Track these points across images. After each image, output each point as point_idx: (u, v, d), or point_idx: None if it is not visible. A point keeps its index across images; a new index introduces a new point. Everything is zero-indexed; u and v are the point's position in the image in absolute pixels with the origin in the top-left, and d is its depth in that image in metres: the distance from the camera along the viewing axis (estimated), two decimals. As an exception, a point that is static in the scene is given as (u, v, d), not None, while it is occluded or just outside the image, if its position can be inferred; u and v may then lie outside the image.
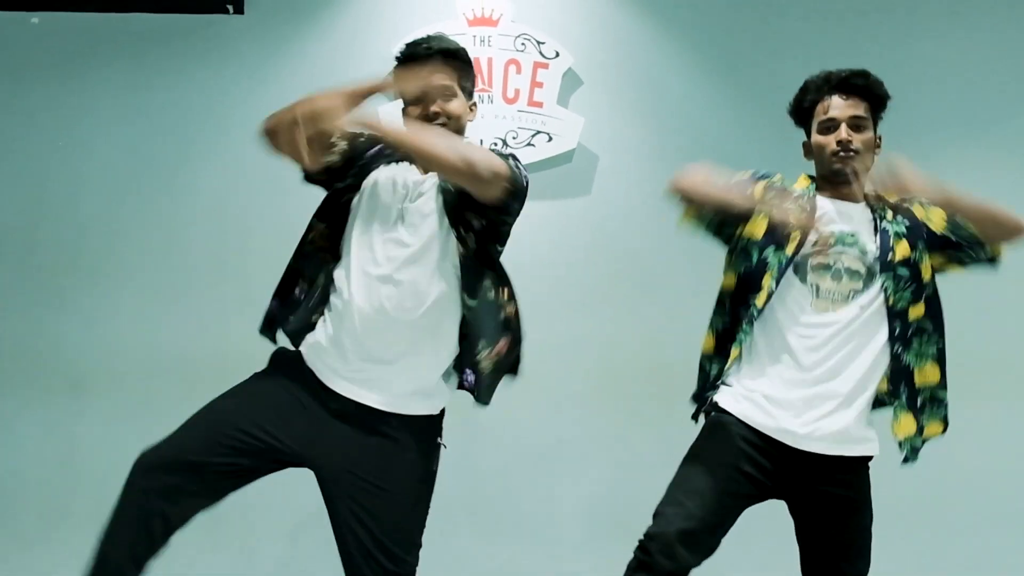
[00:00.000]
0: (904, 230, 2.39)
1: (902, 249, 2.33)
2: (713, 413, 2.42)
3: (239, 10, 4.15)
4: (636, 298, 4.11)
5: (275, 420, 2.14)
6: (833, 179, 2.46)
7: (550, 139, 4.15)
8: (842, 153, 2.42)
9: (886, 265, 2.32)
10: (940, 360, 2.44)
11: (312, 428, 2.14)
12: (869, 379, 2.32)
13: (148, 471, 2.14)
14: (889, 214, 2.41)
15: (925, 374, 2.40)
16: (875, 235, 2.37)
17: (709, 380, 2.46)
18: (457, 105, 2.38)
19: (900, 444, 2.40)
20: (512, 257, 4.04)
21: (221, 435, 2.12)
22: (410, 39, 2.43)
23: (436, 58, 2.36)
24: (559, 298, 4.00)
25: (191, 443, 2.16)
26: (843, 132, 2.43)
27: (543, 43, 4.17)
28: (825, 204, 2.42)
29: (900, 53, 4.43)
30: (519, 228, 4.24)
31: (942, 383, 2.43)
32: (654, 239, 4.02)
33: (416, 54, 2.36)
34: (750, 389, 2.33)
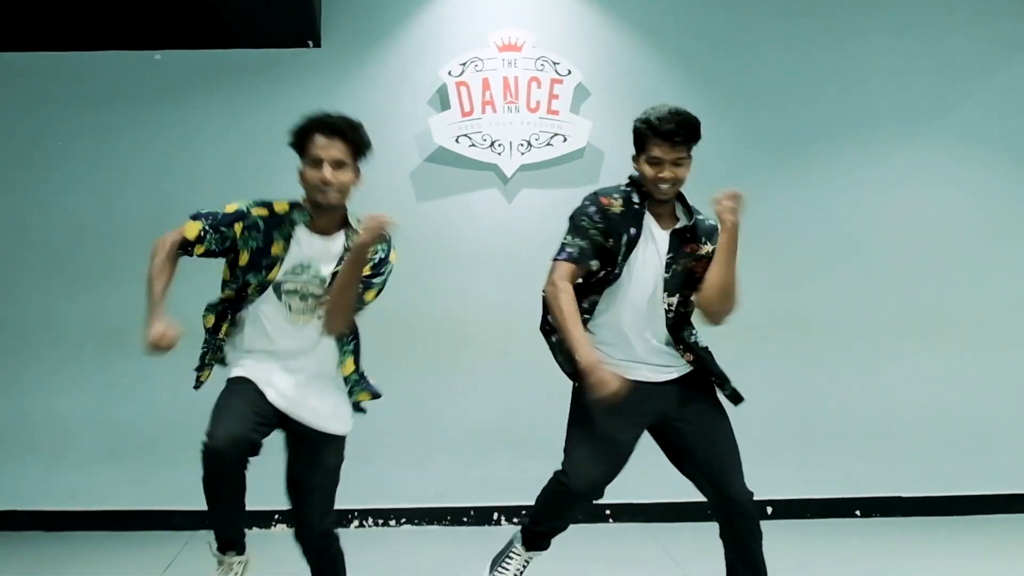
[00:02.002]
0: None
1: None
2: None
3: (317, 44, 4.78)
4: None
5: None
6: None
7: (565, 140, 4.79)
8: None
9: None
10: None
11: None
12: None
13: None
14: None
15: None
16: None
17: None
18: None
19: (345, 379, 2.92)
20: (535, 236, 4.84)
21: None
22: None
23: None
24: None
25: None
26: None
27: (558, 63, 4.79)
28: None
29: (856, 65, 4.99)
30: (541, 211, 4.92)
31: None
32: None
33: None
34: None
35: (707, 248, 2.94)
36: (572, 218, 2.95)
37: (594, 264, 2.92)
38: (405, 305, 4.71)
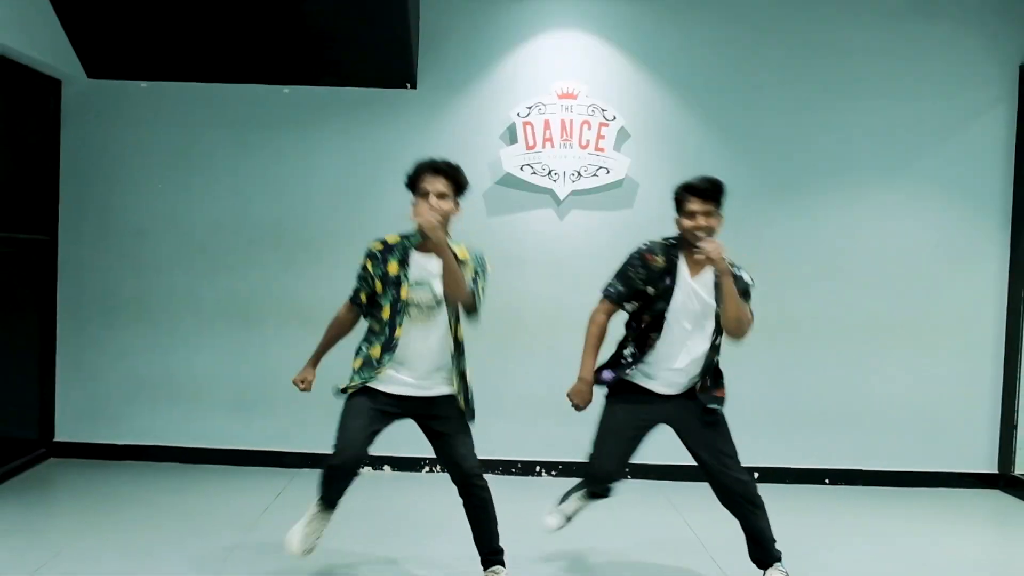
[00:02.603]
0: None
1: None
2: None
3: (413, 86, 5.29)
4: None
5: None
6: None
7: (608, 172, 5.34)
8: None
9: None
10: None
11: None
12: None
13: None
14: None
15: None
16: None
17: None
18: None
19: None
20: (579, 250, 5.29)
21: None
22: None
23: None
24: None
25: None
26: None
27: (606, 110, 5.31)
28: None
29: (845, 121, 5.40)
30: (587, 228, 5.34)
31: None
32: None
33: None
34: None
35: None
36: (621, 266, 3.44)
37: (629, 306, 3.43)
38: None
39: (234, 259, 5.41)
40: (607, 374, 3.50)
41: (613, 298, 3.43)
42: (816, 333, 5.49)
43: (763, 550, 3.50)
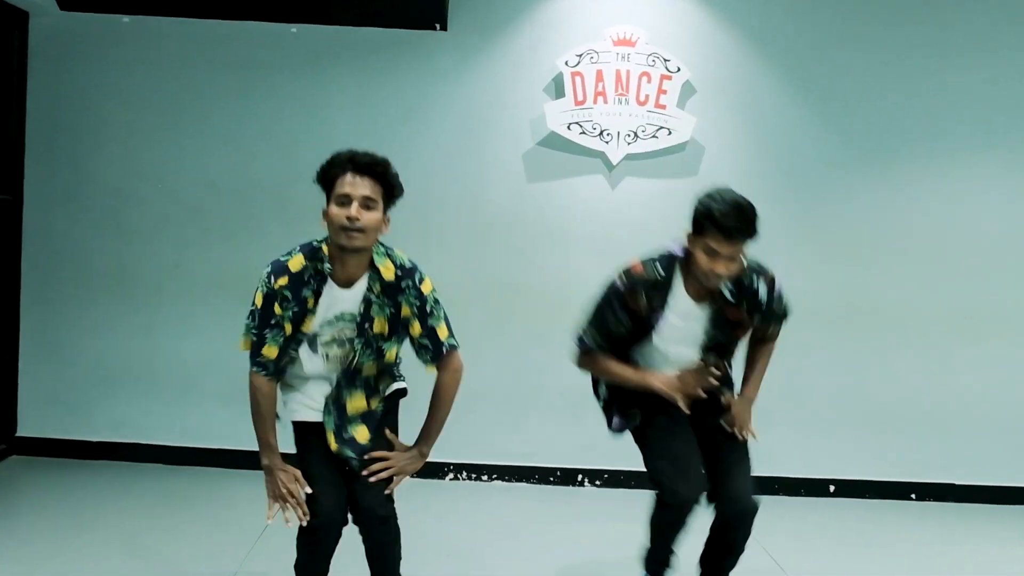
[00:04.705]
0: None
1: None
2: None
3: (444, 28, 4.82)
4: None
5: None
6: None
7: (670, 133, 4.85)
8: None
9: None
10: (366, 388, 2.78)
11: None
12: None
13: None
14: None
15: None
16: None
17: None
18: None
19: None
20: (635, 221, 4.90)
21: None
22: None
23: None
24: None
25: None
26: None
27: (668, 60, 4.84)
28: None
29: (944, 78, 5.00)
30: (643, 199, 4.93)
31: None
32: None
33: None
34: None
35: (743, 313, 2.97)
36: (597, 308, 2.99)
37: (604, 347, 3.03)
38: (509, 276, 4.93)
39: (231, 226, 4.96)
40: (616, 423, 3.16)
41: (590, 349, 3.03)
42: (901, 323, 5.07)
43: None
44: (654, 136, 4.91)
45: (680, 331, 2.96)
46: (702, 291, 2.91)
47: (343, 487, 2.71)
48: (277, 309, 2.62)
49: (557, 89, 4.93)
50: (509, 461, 4.99)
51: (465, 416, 4.86)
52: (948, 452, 5.11)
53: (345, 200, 2.53)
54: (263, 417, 2.73)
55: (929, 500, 5.10)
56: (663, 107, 4.90)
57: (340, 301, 2.65)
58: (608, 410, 3.20)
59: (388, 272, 2.68)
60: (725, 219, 2.70)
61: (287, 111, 4.94)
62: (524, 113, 4.94)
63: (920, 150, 5.06)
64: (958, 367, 5.09)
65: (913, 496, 5.11)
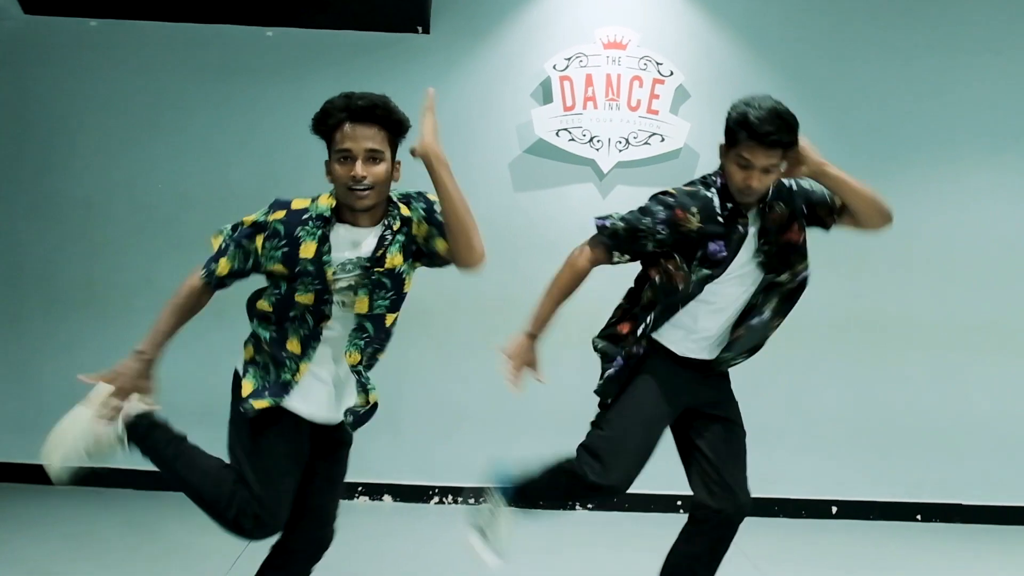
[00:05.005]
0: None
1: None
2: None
3: (426, 31, 4.73)
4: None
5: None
6: None
7: (662, 139, 4.74)
8: None
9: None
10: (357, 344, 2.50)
11: None
12: None
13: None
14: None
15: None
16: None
17: None
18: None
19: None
20: None
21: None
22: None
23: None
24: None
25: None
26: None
27: (661, 64, 4.73)
28: None
29: (951, 81, 4.91)
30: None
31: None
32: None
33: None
34: None
35: (784, 210, 2.70)
36: (635, 215, 2.71)
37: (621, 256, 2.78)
38: (496, 290, 4.77)
39: (206, 239, 4.59)
40: (617, 361, 2.85)
41: (603, 256, 2.78)
42: (906, 336, 4.98)
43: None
44: (646, 143, 4.79)
45: (742, 279, 2.71)
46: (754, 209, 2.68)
47: (293, 494, 2.53)
48: (259, 241, 2.42)
49: (545, 94, 4.82)
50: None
51: (450, 436, 4.91)
52: (955, 471, 5.00)
53: (347, 156, 2.33)
54: (179, 313, 2.54)
55: (936, 521, 5.00)
56: (655, 112, 4.78)
57: (352, 245, 2.43)
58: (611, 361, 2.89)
59: (404, 209, 2.50)
60: (763, 124, 2.51)
61: (263, 118, 4.83)
62: (511, 120, 4.83)
63: (925, 156, 4.97)
64: (966, 382, 4.99)
65: (919, 517, 5.00)
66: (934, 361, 4.97)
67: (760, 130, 2.51)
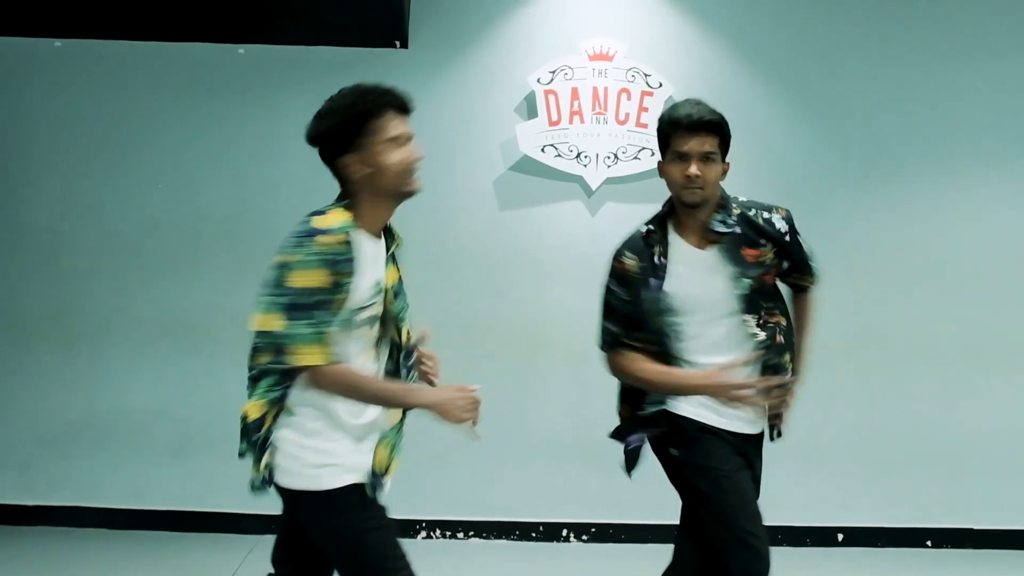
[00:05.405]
0: None
1: None
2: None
3: (404, 45, 4.72)
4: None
5: None
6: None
7: (653, 154, 4.62)
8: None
9: None
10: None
11: None
12: None
13: None
14: None
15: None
16: None
17: None
18: (715, 171, 2.59)
19: None
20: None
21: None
22: (683, 109, 2.59)
23: (703, 127, 2.56)
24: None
25: None
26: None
27: (649, 75, 4.71)
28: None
29: (950, 87, 4.88)
30: (626, 225, 4.75)
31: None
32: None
33: (683, 122, 2.55)
34: None
35: (768, 251, 2.72)
36: (602, 297, 2.77)
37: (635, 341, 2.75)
38: (482, 312, 4.79)
39: (177, 265, 4.87)
40: (634, 438, 2.83)
41: (613, 344, 2.75)
42: (911, 353, 4.93)
43: None
44: (636, 158, 4.76)
45: (696, 282, 2.69)
46: (702, 235, 2.69)
47: None
48: (343, 277, 2.19)
49: (529, 109, 4.81)
50: (486, 516, 4.81)
51: (437, 468, 4.80)
52: (966, 494, 4.92)
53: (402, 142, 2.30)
54: (374, 382, 2.32)
55: (946, 547, 4.91)
56: (644, 126, 4.74)
57: (375, 259, 2.34)
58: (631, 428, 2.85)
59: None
60: (678, 110, 2.65)
61: (235, 138, 4.86)
62: (494, 136, 4.83)
63: (925, 164, 4.95)
64: (975, 400, 4.93)
65: (929, 543, 4.92)
66: (940, 379, 4.93)
67: (679, 114, 2.63)
